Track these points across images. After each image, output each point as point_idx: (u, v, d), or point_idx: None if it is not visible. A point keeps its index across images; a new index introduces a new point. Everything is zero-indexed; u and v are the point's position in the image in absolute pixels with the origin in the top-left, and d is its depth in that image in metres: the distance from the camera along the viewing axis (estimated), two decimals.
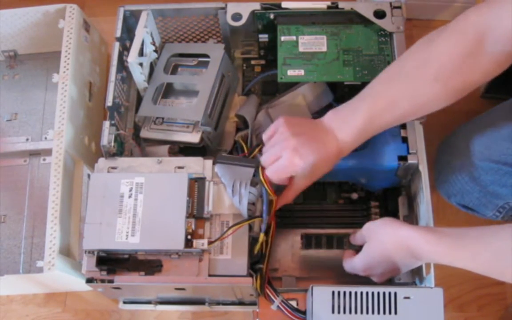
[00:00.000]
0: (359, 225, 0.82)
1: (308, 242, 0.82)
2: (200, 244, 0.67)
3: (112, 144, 0.75)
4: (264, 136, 0.71)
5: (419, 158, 0.73)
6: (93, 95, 0.94)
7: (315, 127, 0.70)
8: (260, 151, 0.76)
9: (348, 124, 0.68)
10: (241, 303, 0.80)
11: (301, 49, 0.80)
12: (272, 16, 0.83)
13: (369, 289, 0.64)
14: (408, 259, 0.65)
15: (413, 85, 0.65)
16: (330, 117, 0.69)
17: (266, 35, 0.87)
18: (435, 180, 0.85)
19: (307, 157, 0.67)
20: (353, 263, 0.71)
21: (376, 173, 0.76)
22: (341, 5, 0.81)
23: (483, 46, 0.60)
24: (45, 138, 0.90)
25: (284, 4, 0.82)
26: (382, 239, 0.67)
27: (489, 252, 0.58)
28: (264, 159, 0.70)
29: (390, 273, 0.70)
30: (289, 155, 0.66)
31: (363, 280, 0.72)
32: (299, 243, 0.83)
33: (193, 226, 0.68)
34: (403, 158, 0.74)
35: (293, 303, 0.69)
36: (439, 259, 0.62)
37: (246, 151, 0.78)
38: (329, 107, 0.84)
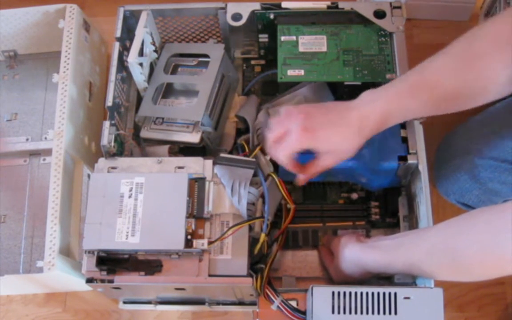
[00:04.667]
0: (359, 225, 0.83)
1: (285, 240, 0.82)
2: (200, 244, 0.67)
3: (112, 144, 0.75)
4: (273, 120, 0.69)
5: (419, 158, 0.73)
6: (93, 95, 0.94)
7: (336, 104, 0.68)
8: (261, 151, 0.77)
9: (376, 99, 0.65)
10: (241, 303, 0.80)
11: (301, 49, 0.80)
12: (272, 16, 0.83)
13: (369, 289, 0.64)
14: (360, 268, 0.71)
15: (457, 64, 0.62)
16: (363, 94, 0.67)
17: (266, 35, 0.87)
18: (435, 178, 0.86)
19: (319, 130, 0.64)
20: (331, 274, 0.78)
21: (376, 173, 0.76)
22: (341, 5, 0.81)
23: None
24: (45, 138, 0.90)
25: (284, 4, 0.82)
26: (341, 259, 0.73)
27: (418, 254, 0.64)
28: (270, 136, 0.68)
29: (362, 278, 0.73)
30: (299, 128, 0.64)
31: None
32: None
33: (193, 226, 0.68)
34: (403, 158, 0.74)
35: (293, 303, 0.69)
36: (378, 266, 0.68)
37: (247, 150, 0.78)
38: None
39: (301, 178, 0.71)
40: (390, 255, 0.67)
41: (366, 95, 0.66)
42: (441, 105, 0.65)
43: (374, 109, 0.65)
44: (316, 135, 0.65)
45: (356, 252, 0.71)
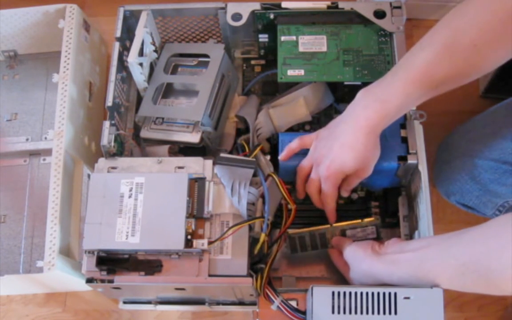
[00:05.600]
0: (369, 222, 0.82)
1: (293, 246, 0.80)
2: (200, 244, 0.67)
3: (112, 144, 0.75)
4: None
5: (419, 158, 0.73)
6: (93, 95, 0.94)
7: (339, 126, 0.70)
8: (261, 151, 0.77)
9: (382, 99, 0.66)
10: (241, 303, 0.80)
11: (301, 49, 0.80)
12: (272, 16, 0.83)
13: (369, 289, 0.64)
14: (380, 282, 0.67)
15: (450, 52, 0.63)
16: (360, 97, 0.68)
17: (266, 35, 0.87)
18: (435, 179, 0.85)
19: (333, 162, 0.69)
20: (348, 281, 0.75)
21: (376, 173, 0.76)
22: (341, 5, 0.81)
23: None
24: (45, 138, 0.90)
25: (284, 4, 0.82)
26: (359, 273, 0.70)
27: (448, 273, 0.61)
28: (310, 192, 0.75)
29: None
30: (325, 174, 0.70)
31: None
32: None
33: (193, 226, 0.68)
34: (403, 158, 0.74)
35: (293, 303, 0.69)
36: (401, 282, 0.65)
37: (247, 150, 0.78)
38: (329, 108, 0.85)
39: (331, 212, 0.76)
40: (413, 271, 0.63)
41: (361, 99, 0.68)
42: (438, 90, 0.65)
43: (373, 115, 0.66)
44: (337, 174, 0.70)
45: (375, 268, 0.67)
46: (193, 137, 0.78)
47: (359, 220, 0.76)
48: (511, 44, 0.61)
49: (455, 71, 0.63)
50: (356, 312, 0.63)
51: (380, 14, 0.81)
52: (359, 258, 0.70)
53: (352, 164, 0.69)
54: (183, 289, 0.71)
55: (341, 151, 0.68)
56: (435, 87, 0.64)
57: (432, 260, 0.62)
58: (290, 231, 0.77)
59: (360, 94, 0.68)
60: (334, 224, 0.77)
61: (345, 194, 0.76)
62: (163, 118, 0.81)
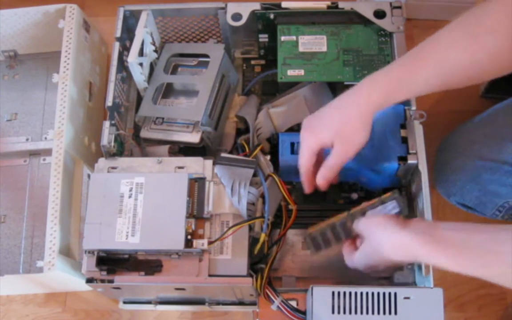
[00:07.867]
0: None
1: (317, 244, 0.76)
2: (200, 244, 0.67)
3: (112, 144, 0.75)
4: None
5: (419, 158, 0.73)
6: (93, 95, 0.94)
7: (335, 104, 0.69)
8: (261, 151, 0.77)
9: (377, 78, 0.66)
10: (241, 303, 0.80)
11: (301, 49, 0.80)
12: (272, 16, 0.83)
13: (369, 289, 0.64)
14: (408, 258, 0.63)
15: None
16: (364, 79, 0.67)
17: (266, 35, 0.87)
18: (435, 179, 0.86)
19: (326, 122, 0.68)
20: (354, 261, 0.68)
21: (376, 173, 0.76)
22: (341, 5, 0.81)
23: None
24: (45, 138, 0.90)
25: (284, 4, 0.82)
26: (380, 241, 0.63)
27: (496, 265, 0.55)
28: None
29: (392, 268, 0.70)
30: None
31: (362, 275, 0.71)
32: (303, 246, 0.81)
33: (193, 226, 0.68)
34: (403, 159, 0.74)
35: (293, 303, 0.69)
36: (442, 266, 0.58)
37: (247, 150, 0.78)
38: None
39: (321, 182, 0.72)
40: (469, 259, 0.56)
41: (366, 78, 0.67)
42: (447, 80, 0.63)
43: (375, 88, 0.65)
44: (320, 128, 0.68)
45: (407, 240, 0.60)
46: (193, 137, 0.79)
47: (376, 199, 0.72)
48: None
49: (469, 59, 0.62)
50: (356, 312, 0.63)
51: (380, 14, 0.81)
52: (379, 226, 0.64)
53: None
54: (183, 289, 0.71)
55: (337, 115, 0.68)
56: (448, 75, 0.63)
57: (492, 251, 0.55)
58: (310, 230, 0.74)
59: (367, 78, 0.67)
60: (352, 210, 0.72)
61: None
62: (163, 118, 0.81)
